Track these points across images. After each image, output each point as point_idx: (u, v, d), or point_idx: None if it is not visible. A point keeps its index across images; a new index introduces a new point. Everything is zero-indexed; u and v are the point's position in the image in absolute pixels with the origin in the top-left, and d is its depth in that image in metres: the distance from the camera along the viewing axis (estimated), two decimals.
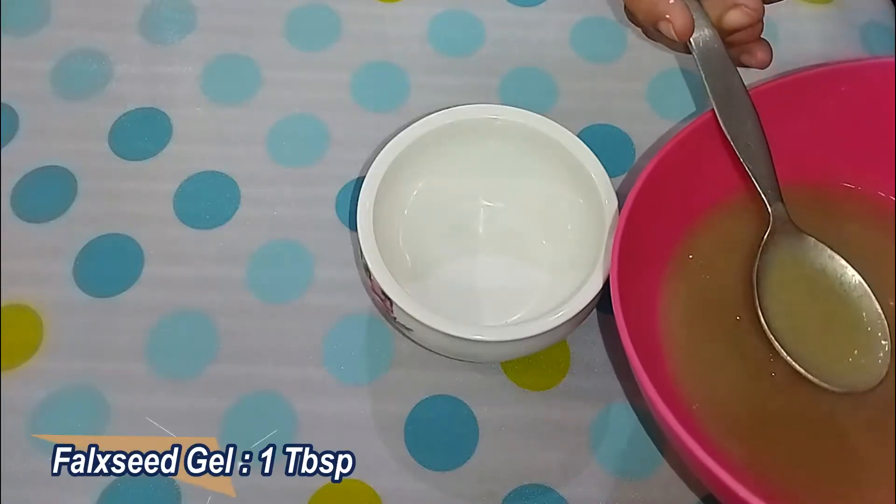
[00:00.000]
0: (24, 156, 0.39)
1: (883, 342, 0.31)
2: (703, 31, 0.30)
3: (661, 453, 0.34)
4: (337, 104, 0.41)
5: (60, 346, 0.35)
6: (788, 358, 0.31)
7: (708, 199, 0.35)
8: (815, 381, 0.31)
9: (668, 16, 0.30)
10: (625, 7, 0.31)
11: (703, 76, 0.31)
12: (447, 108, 0.36)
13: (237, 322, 0.36)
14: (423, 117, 0.35)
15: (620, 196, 0.33)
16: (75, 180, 0.39)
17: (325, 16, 0.44)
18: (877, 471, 0.31)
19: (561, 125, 0.35)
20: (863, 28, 0.43)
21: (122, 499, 0.32)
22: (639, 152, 0.40)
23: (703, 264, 0.35)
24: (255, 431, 0.34)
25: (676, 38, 0.30)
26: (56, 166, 0.39)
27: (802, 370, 0.31)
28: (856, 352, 0.31)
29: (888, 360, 0.31)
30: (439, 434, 0.34)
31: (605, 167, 0.34)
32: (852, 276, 0.32)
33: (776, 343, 0.31)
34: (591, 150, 0.35)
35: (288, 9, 0.44)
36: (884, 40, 0.42)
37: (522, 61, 0.42)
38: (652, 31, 0.31)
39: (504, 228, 0.38)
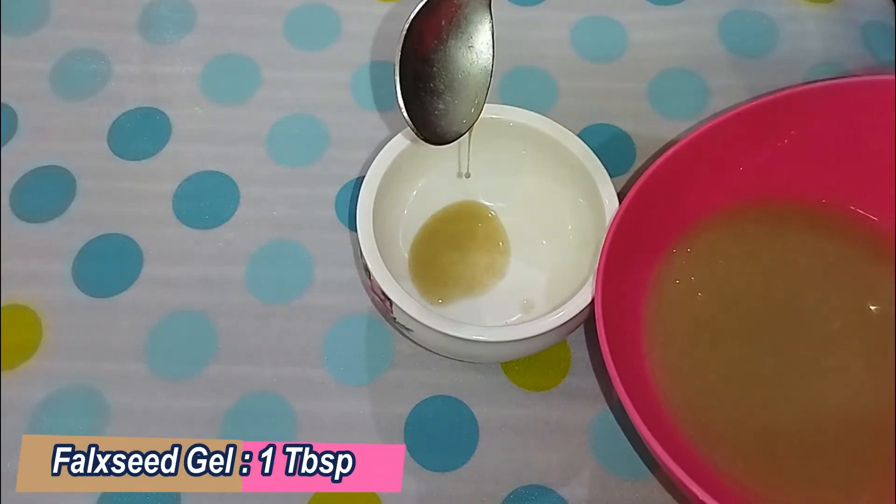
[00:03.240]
0: (23, 156, 0.39)
1: (477, 99, 0.33)
2: None
3: (650, 469, 0.33)
4: (337, 104, 0.41)
5: (60, 346, 0.35)
6: (404, 110, 0.31)
7: (701, 207, 0.35)
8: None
9: None
10: None
11: None
12: None
13: (237, 322, 0.36)
14: None
15: (621, 196, 0.33)
16: (74, 180, 0.39)
17: (325, 16, 0.44)
18: (870, 483, 0.31)
19: (561, 125, 0.35)
20: (863, 28, 0.43)
21: (122, 499, 0.32)
22: (639, 152, 0.40)
23: (693, 269, 0.35)
24: (256, 431, 0.34)
25: None
26: (55, 166, 0.39)
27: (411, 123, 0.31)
28: (461, 107, 0.33)
29: (478, 111, 0.33)
30: (439, 434, 0.34)
31: (605, 167, 0.34)
32: (484, 43, 0.33)
33: (399, 98, 0.31)
34: (592, 150, 0.35)
35: (288, 8, 0.44)
36: (884, 40, 0.42)
37: (522, 61, 0.42)
38: None
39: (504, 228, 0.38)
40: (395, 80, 0.30)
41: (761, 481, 0.31)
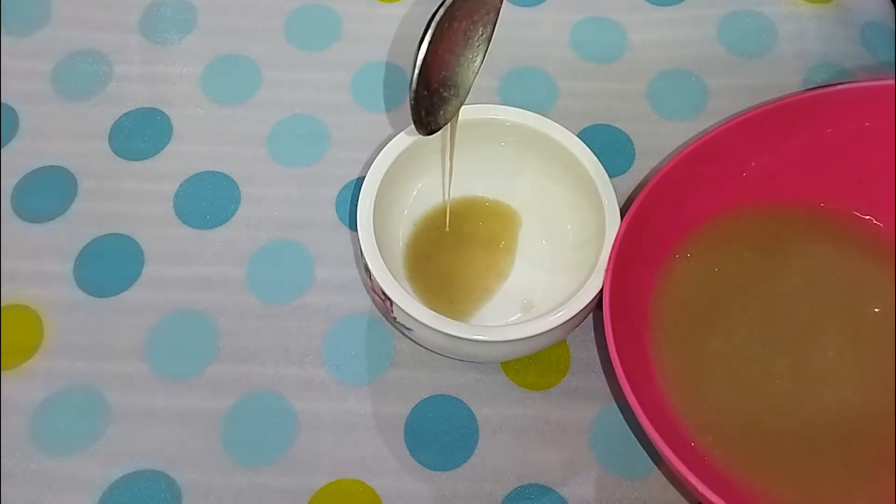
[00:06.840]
0: (24, 156, 0.39)
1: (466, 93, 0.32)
2: None
3: (654, 462, 0.34)
4: (337, 104, 0.41)
5: (60, 346, 0.35)
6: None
7: (707, 210, 0.36)
8: None
9: None
10: None
11: None
12: None
13: (237, 322, 0.36)
14: None
15: (620, 196, 0.33)
16: (75, 180, 0.39)
17: (325, 16, 0.44)
18: (870, 480, 0.31)
19: (561, 125, 0.35)
20: (863, 28, 0.43)
21: (122, 499, 0.32)
22: (639, 153, 0.40)
23: (698, 271, 0.35)
24: (255, 431, 0.34)
25: None
26: (56, 166, 0.39)
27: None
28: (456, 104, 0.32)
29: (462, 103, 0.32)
30: (439, 434, 0.34)
31: (605, 167, 0.34)
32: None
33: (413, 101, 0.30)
34: (591, 150, 0.35)
35: (288, 9, 0.44)
36: (884, 40, 0.42)
37: (522, 61, 0.42)
38: None
39: None
40: (412, 83, 0.30)
41: (762, 476, 0.31)
